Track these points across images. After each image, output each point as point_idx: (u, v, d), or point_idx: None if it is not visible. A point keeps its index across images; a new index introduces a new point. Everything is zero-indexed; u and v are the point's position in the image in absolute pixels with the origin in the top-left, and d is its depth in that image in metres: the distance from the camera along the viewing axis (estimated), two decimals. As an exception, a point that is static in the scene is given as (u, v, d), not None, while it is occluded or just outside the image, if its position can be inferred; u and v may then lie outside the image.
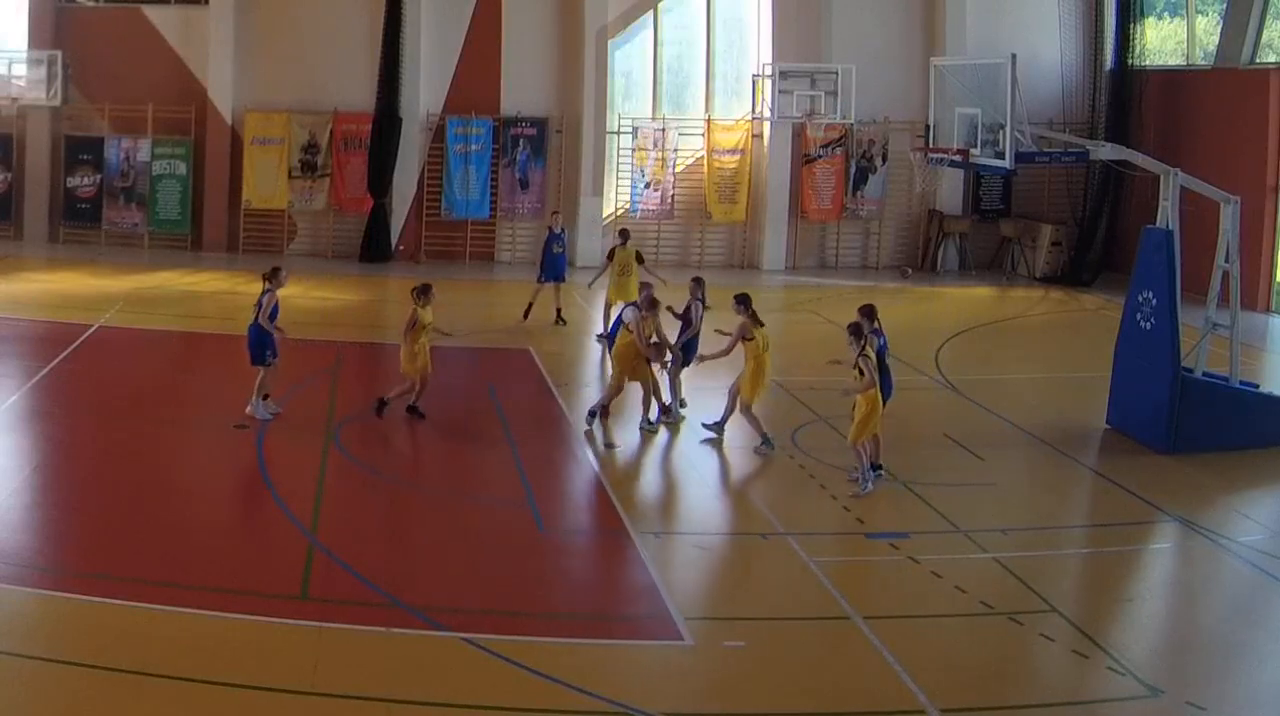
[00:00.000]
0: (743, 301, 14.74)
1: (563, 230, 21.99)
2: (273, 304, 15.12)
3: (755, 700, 9.07)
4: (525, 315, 21.15)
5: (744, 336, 14.56)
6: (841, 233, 29.36)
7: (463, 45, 27.99)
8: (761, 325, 14.63)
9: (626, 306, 15.97)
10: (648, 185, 28.39)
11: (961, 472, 14.43)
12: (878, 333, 13.76)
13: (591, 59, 27.81)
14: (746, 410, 14.63)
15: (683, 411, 15.94)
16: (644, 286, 16.48)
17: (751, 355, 14.55)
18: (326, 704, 8.63)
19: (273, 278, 15.28)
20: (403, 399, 15.41)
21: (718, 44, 28.97)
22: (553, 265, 21.19)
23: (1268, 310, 24.39)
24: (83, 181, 27.74)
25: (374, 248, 27.55)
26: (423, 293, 15.13)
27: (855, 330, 13.38)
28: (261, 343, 15.08)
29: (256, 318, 15.12)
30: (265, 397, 15.26)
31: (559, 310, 21.24)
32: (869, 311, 13.90)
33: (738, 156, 28.65)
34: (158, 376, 17.79)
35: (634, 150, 28.33)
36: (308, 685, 8.84)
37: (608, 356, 16.49)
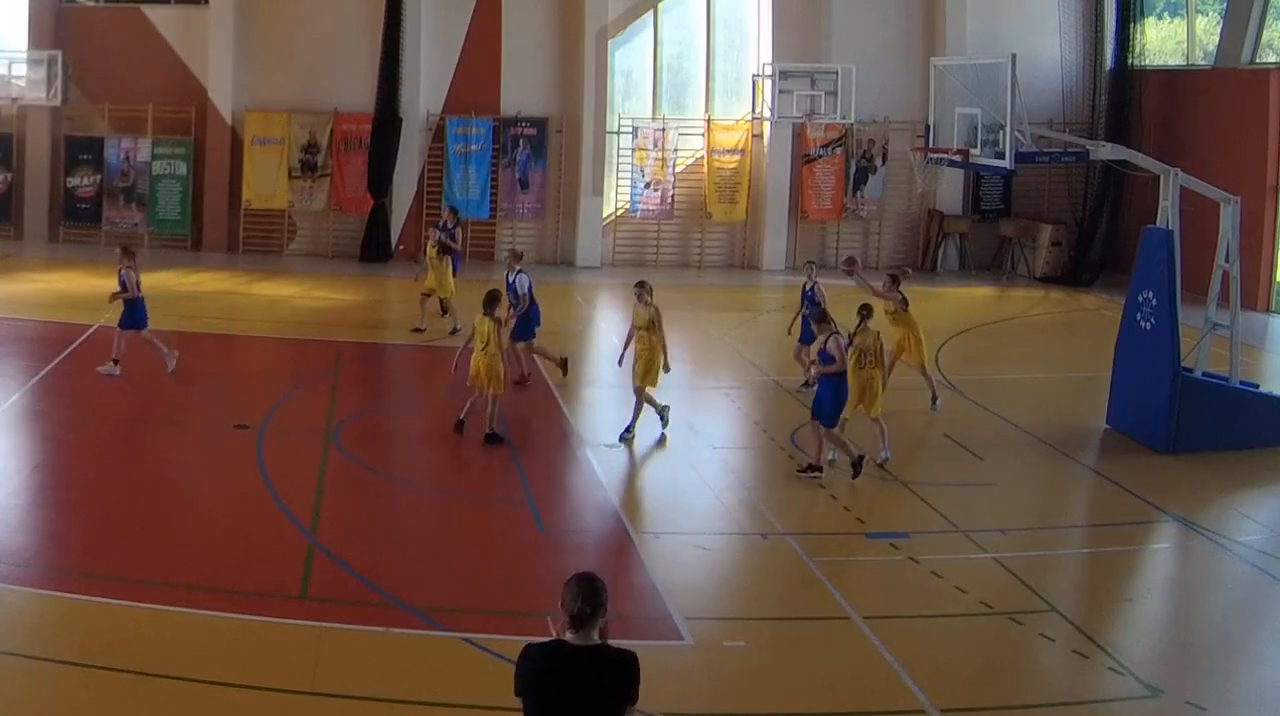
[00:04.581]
0: (862, 313, 14.65)
1: (455, 226, 21.98)
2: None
3: (755, 700, 9.06)
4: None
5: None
6: (841, 233, 29.35)
7: (463, 45, 28.00)
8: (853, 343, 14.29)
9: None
10: (648, 185, 28.40)
11: (961, 472, 14.43)
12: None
13: (591, 59, 27.82)
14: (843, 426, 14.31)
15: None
16: None
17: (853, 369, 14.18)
18: (326, 704, 8.62)
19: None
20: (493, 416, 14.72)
21: (718, 44, 28.98)
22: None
23: (1268, 310, 24.40)
24: (83, 181, 27.75)
25: (374, 248, 27.56)
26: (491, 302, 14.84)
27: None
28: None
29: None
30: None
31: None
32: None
33: (738, 156, 28.65)
34: (158, 376, 17.77)
35: (634, 150, 28.33)
36: (308, 685, 8.84)
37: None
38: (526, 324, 17.40)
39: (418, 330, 20.37)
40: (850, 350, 14.03)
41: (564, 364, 17.83)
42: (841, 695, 9.15)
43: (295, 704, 8.60)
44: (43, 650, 9.03)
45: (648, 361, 14.99)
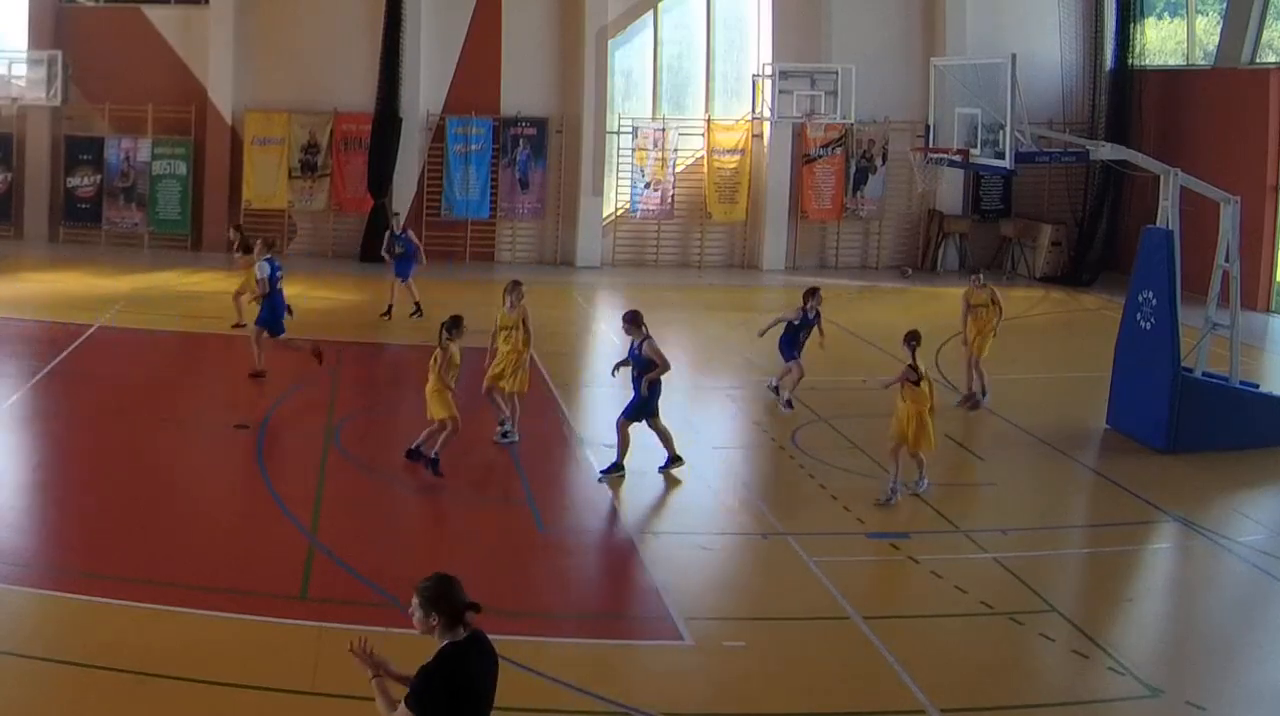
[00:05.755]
0: (910, 341, 13.35)
1: (404, 231, 21.91)
2: None
3: (755, 700, 9.06)
4: (388, 314, 21.53)
5: (906, 379, 13.06)
6: (841, 233, 29.37)
7: (463, 45, 28.00)
8: (919, 377, 13.03)
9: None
10: (648, 185, 28.40)
11: (961, 473, 14.43)
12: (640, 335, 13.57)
13: (591, 59, 27.83)
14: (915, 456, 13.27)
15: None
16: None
17: (911, 400, 13.05)
18: (326, 704, 8.62)
19: None
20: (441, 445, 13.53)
21: (718, 44, 28.99)
22: (396, 264, 21.54)
23: (1268, 310, 24.41)
24: (83, 181, 27.75)
25: (374, 248, 27.52)
26: (454, 326, 13.53)
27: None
28: None
29: None
30: None
31: (391, 306, 21.53)
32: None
33: (738, 156, 28.66)
34: (158, 376, 17.78)
35: (634, 150, 28.34)
36: (308, 685, 8.84)
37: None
38: (273, 314, 17.21)
39: (238, 326, 19.90)
40: (923, 383, 12.96)
41: (319, 354, 17.26)
42: (841, 695, 9.16)
43: (295, 704, 8.60)
44: (43, 650, 9.04)
45: (512, 364, 14.62)
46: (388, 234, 22.26)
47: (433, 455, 13.38)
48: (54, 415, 15.36)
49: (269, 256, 17.52)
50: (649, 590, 10.86)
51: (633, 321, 13.69)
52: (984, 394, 17.17)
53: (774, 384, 17.06)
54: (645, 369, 13.48)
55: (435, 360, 13.39)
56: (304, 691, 8.73)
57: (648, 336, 13.61)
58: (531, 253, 28.68)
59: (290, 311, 17.70)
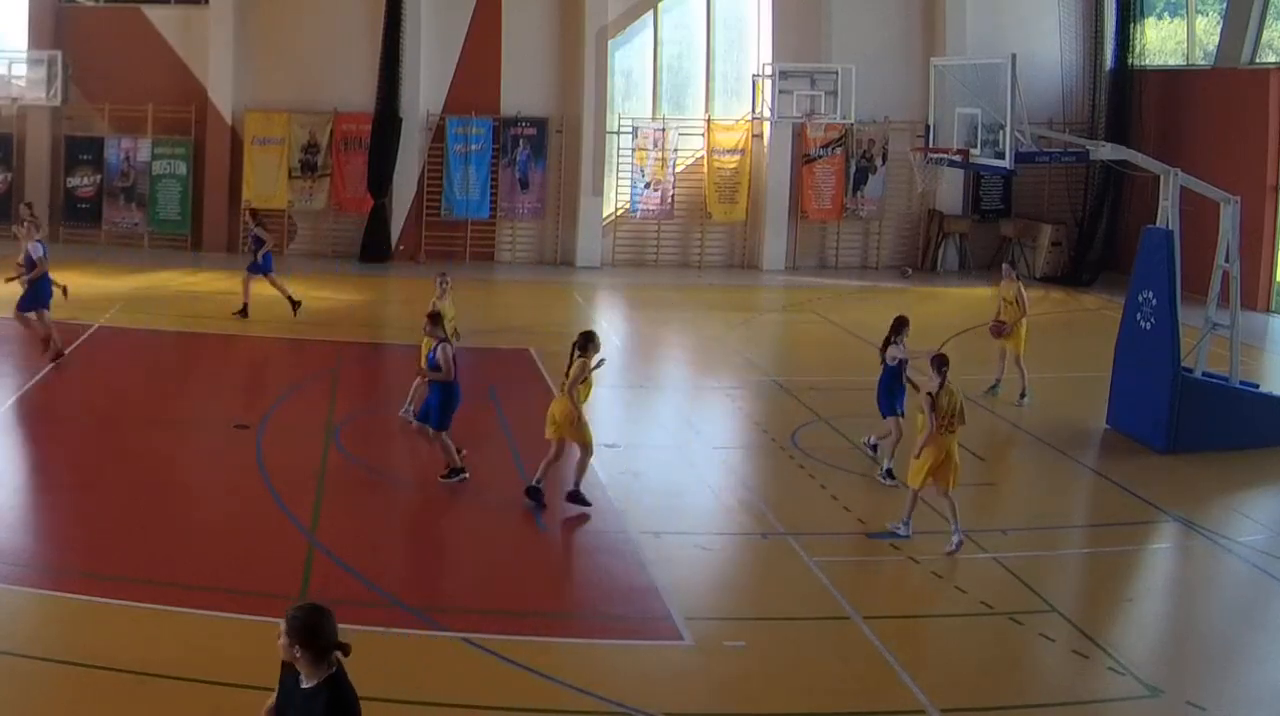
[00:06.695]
0: (939, 364, 12.04)
1: (258, 224, 21.46)
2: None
3: (755, 700, 9.06)
4: (295, 307, 21.04)
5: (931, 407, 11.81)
6: (841, 233, 29.37)
7: (463, 45, 28.00)
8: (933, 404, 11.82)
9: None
10: (648, 185, 28.40)
11: (961, 472, 14.39)
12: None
13: (591, 59, 27.83)
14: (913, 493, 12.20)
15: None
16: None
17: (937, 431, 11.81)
18: (326, 704, 8.61)
19: None
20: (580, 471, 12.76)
21: (718, 44, 28.99)
22: (265, 261, 21.12)
23: (1268, 310, 24.41)
24: (83, 181, 27.75)
25: (374, 247, 27.57)
26: (587, 343, 12.53)
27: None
28: None
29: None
30: None
31: (292, 300, 21.13)
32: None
33: (738, 156, 28.66)
34: (158, 376, 17.78)
35: (634, 150, 28.34)
36: (308, 685, 8.83)
37: None
38: (37, 296, 17.06)
39: None
40: (932, 413, 11.76)
41: (58, 355, 17.14)
42: (842, 695, 9.15)
43: (295, 704, 8.59)
44: (43, 650, 9.03)
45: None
46: (254, 238, 21.46)
47: (575, 485, 12.67)
48: (54, 415, 15.36)
49: (39, 238, 17.47)
50: (649, 590, 10.85)
51: (431, 320, 13.41)
52: (1024, 395, 17.25)
53: (871, 442, 14.57)
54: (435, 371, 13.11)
55: (566, 378, 12.57)
56: (304, 691, 8.72)
57: (444, 340, 13.19)
58: (531, 253, 28.69)
59: (65, 293, 17.59)
